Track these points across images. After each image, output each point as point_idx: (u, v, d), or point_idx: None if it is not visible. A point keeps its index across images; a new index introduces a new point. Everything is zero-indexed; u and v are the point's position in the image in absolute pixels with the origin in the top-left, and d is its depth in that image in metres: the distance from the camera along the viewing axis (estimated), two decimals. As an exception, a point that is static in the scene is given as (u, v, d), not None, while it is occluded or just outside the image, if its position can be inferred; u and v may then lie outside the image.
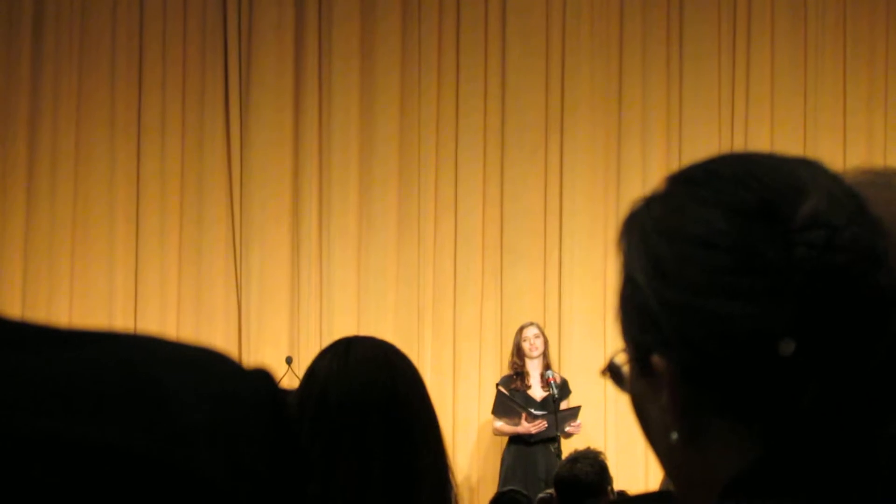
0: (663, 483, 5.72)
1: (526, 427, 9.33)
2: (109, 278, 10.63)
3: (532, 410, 9.38)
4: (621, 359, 1.20)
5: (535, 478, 9.07)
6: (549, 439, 9.34)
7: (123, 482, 0.79)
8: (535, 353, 9.71)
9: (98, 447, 0.80)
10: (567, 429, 9.37)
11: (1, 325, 0.86)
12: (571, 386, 9.73)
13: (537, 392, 9.58)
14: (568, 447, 8.26)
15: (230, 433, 0.85)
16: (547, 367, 9.71)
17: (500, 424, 9.54)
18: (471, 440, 10.51)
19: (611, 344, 9.41)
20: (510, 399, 9.48)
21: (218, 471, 0.82)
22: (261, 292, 10.70)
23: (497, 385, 9.70)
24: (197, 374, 0.86)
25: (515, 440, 9.47)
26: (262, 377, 0.90)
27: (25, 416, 0.79)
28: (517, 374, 9.68)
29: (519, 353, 9.77)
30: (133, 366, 0.84)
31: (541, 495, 6.81)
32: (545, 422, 9.30)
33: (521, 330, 9.84)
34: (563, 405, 9.48)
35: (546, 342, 9.81)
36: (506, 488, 6.97)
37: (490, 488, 9.41)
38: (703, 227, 1.12)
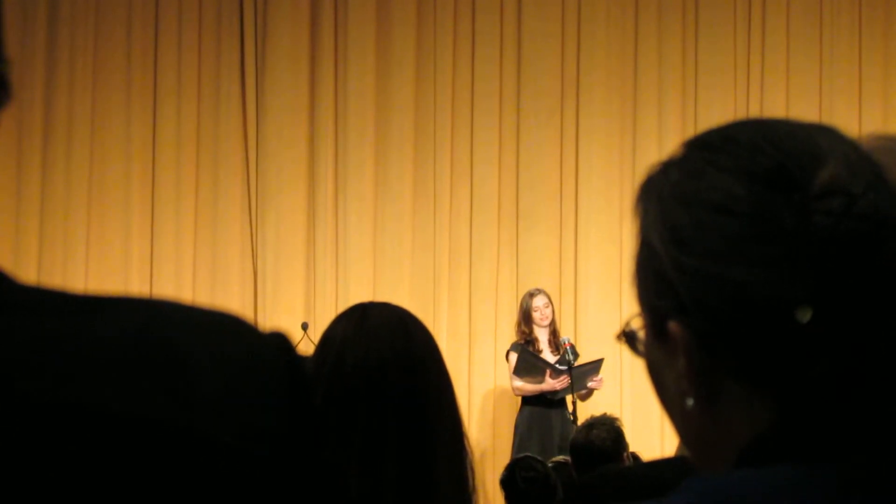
0: (679, 449, 5.72)
1: (551, 384, 9.28)
2: (125, 243, 10.64)
3: (557, 366, 9.35)
4: (637, 324, 1.20)
5: (551, 444, 9.03)
6: (563, 403, 9.32)
7: (141, 448, 0.80)
8: (545, 322, 9.66)
9: (116, 414, 0.80)
10: (589, 384, 9.33)
11: (18, 291, 0.86)
12: (588, 351, 9.71)
13: (548, 358, 9.54)
14: (584, 412, 8.26)
15: (248, 398, 0.85)
16: (553, 333, 9.68)
17: (520, 384, 9.46)
18: (486, 405, 10.52)
19: (626, 309, 9.41)
20: (535, 356, 9.45)
21: (236, 436, 0.83)
22: (276, 258, 10.71)
23: (508, 352, 9.68)
24: (214, 339, 0.86)
25: (530, 402, 9.42)
26: (280, 341, 0.90)
27: (44, 383, 0.80)
28: (527, 342, 9.62)
29: (527, 320, 9.69)
30: (150, 331, 0.84)
31: (555, 462, 6.80)
32: (568, 377, 9.26)
33: (529, 297, 9.75)
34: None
35: (553, 310, 9.77)
36: (521, 454, 6.96)
37: (505, 453, 9.42)
38: (720, 193, 1.12)
